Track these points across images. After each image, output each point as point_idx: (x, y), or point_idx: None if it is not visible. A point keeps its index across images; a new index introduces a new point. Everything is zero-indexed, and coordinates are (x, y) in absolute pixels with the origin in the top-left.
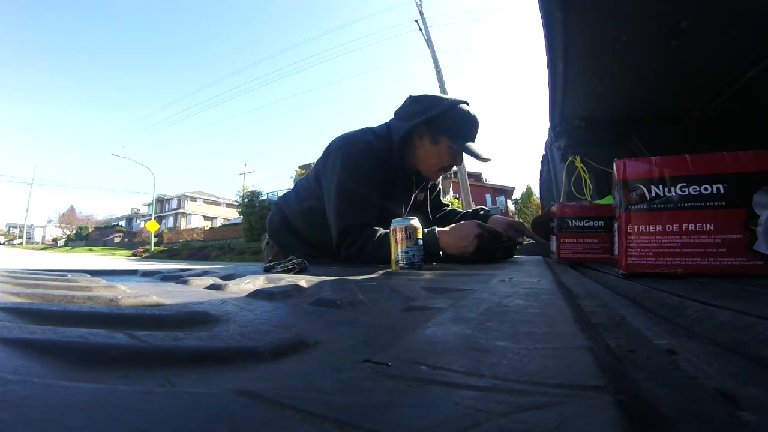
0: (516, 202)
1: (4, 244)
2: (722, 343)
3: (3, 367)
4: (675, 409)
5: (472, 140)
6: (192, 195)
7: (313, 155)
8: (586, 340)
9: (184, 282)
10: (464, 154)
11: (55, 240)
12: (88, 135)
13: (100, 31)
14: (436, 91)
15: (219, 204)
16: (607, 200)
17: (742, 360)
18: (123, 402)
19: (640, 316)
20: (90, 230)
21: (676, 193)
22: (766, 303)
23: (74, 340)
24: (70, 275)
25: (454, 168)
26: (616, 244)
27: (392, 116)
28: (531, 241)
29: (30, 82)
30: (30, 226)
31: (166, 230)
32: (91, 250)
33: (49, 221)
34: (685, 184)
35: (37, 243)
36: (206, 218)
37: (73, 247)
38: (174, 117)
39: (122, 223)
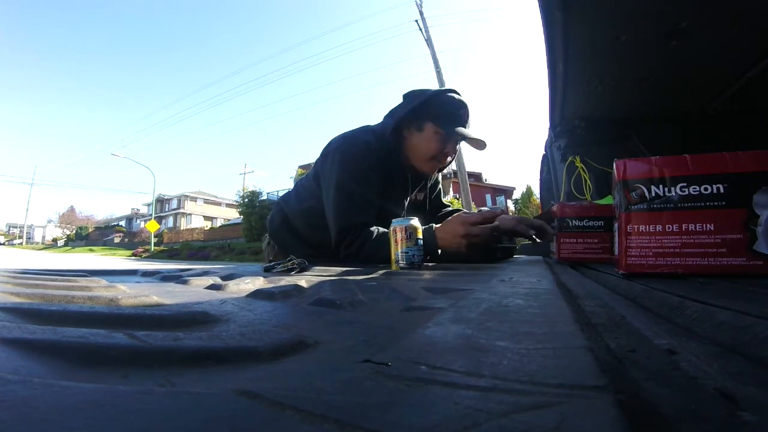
0: (516, 202)
1: (4, 244)
2: (722, 343)
3: (3, 367)
4: (675, 409)
5: (462, 125)
6: (192, 195)
7: (313, 155)
8: (586, 340)
9: (184, 282)
10: (461, 145)
11: (55, 240)
12: (88, 135)
13: (100, 31)
14: None
15: (219, 204)
16: (607, 200)
17: (742, 360)
18: (123, 402)
19: (640, 316)
20: (90, 230)
21: (676, 193)
22: (766, 303)
23: (74, 340)
24: (70, 275)
25: (454, 167)
26: (616, 244)
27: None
28: (538, 241)
29: (30, 82)
30: (30, 226)
31: (166, 230)
32: (91, 250)
33: (49, 221)
34: (685, 184)
35: (37, 243)
36: (206, 218)
37: (73, 247)
38: (174, 117)
39: (122, 223)
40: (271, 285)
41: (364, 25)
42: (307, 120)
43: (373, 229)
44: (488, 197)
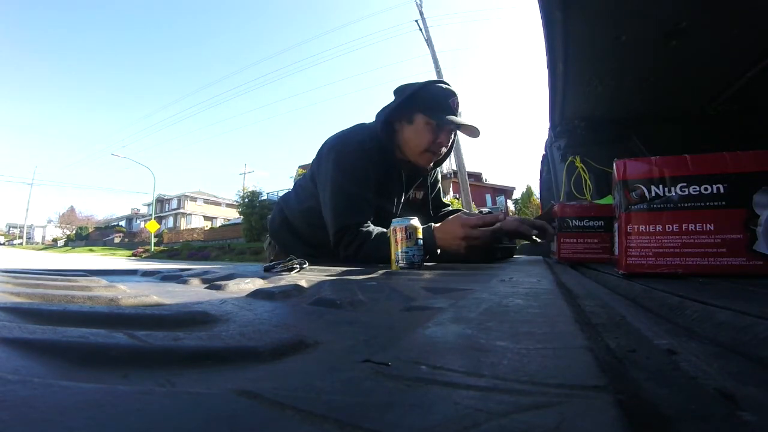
0: (516, 202)
1: (4, 244)
2: (722, 343)
3: (3, 367)
4: (675, 409)
5: (452, 114)
6: (192, 195)
7: (313, 155)
8: (586, 340)
9: (184, 282)
10: (458, 141)
11: (55, 240)
12: (88, 135)
13: (100, 31)
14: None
15: (219, 204)
16: (607, 200)
17: (742, 360)
18: (123, 402)
19: (640, 316)
20: (90, 230)
21: (676, 193)
22: (766, 303)
23: (74, 340)
24: (70, 275)
25: (454, 167)
26: (616, 244)
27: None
28: (539, 241)
29: (30, 82)
30: (30, 227)
31: (166, 230)
32: (91, 250)
33: (49, 221)
34: (685, 184)
35: (37, 243)
36: (206, 218)
37: (73, 248)
38: (174, 117)
39: (122, 223)
40: (271, 285)
41: (364, 25)
42: (307, 120)
43: (372, 228)
44: (488, 197)
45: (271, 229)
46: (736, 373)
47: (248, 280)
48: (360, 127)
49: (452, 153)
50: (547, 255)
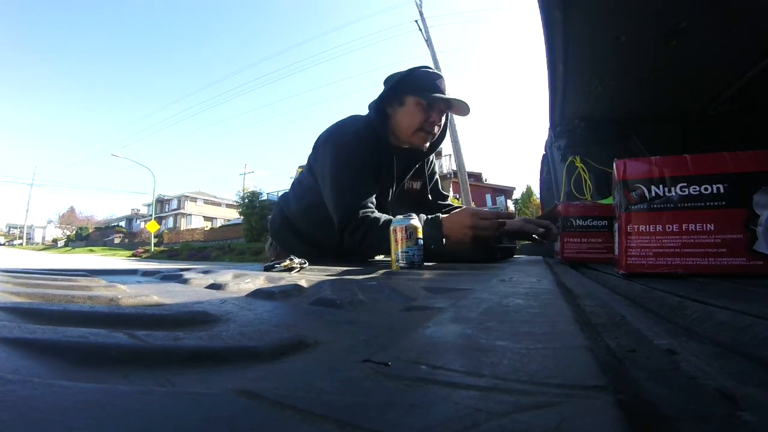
0: (516, 202)
1: (4, 244)
2: (722, 343)
3: (3, 367)
4: (675, 409)
5: (440, 93)
6: (192, 195)
7: None
8: (586, 340)
9: (184, 282)
10: (448, 116)
11: (55, 240)
12: (88, 135)
13: (100, 31)
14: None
15: (219, 204)
16: (610, 200)
17: (742, 360)
18: (123, 402)
19: (640, 316)
20: (90, 231)
21: (676, 193)
22: (766, 303)
23: (74, 340)
24: (70, 275)
25: (454, 167)
26: (617, 244)
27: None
28: (543, 241)
29: (30, 82)
30: (30, 227)
31: (166, 231)
32: (91, 251)
33: (49, 222)
34: (685, 184)
35: (38, 243)
36: (206, 219)
37: (74, 248)
38: (174, 117)
39: (122, 223)
40: (271, 285)
41: (364, 26)
42: (307, 120)
43: (379, 215)
44: (488, 197)
45: (271, 230)
46: (736, 373)
47: (248, 279)
48: (354, 118)
49: (452, 154)
50: (549, 255)
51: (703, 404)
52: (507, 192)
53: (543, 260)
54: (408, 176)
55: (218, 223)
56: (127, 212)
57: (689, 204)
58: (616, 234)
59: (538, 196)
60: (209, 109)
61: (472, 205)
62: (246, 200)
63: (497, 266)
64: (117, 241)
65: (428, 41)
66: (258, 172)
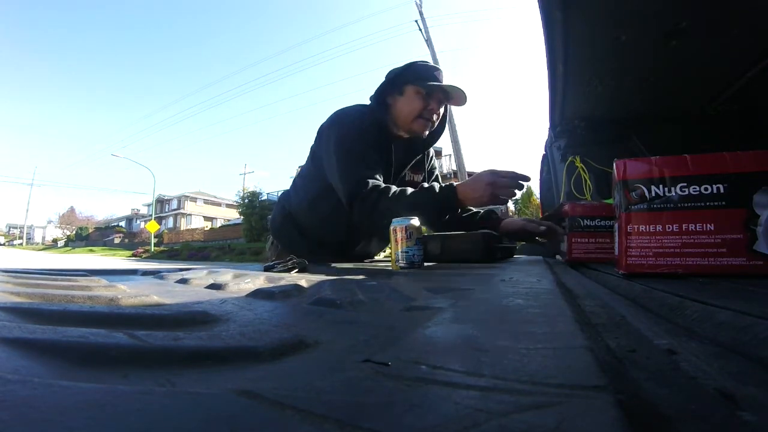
0: (516, 202)
1: (4, 244)
2: (722, 343)
3: (3, 367)
4: (675, 409)
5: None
6: (192, 195)
7: None
8: (586, 340)
9: (184, 282)
10: (447, 108)
11: (55, 240)
12: (88, 135)
13: (100, 31)
14: None
15: (219, 204)
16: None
17: (742, 360)
18: (123, 402)
19: (640, 316)
20: (90, 231)
21: (676, 193)
22: (766, 303)
23: (74, 340)
24: (70, 275)
25: (454, 167)
26: (617, 244)
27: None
28: (543, 242)
29: (30, 82)
30: (30, 227)
31: (166, 231)
32: (91, 251)
33: (49, 222)
34: (685, 184)
35: (38, 243)
36: (206, 219)
37: (74, 248)
38: (174, 117)
39: (122, 223)
40: (271, 285)
41: (364, 26)
42: (307, 120)
43: (387, 186)
44: None
45: (273, 229)
46: (736, 373)
47: (248, 279)
48: (356, 107)
49: (452, 154)
50: (550, 255)
51: (703, 404)
52: None
53: (543, 260)
54: (408, 167)
55: (218, 223)
56: (127, 212)
57: (689, 204)
58: (616, 234)
59: (538, 196)
60: (209, 109)
61: None
62: (246, 200)
63: (497, 266)
64: (117, 241)
65: (428, 41)
66: (258, 172)
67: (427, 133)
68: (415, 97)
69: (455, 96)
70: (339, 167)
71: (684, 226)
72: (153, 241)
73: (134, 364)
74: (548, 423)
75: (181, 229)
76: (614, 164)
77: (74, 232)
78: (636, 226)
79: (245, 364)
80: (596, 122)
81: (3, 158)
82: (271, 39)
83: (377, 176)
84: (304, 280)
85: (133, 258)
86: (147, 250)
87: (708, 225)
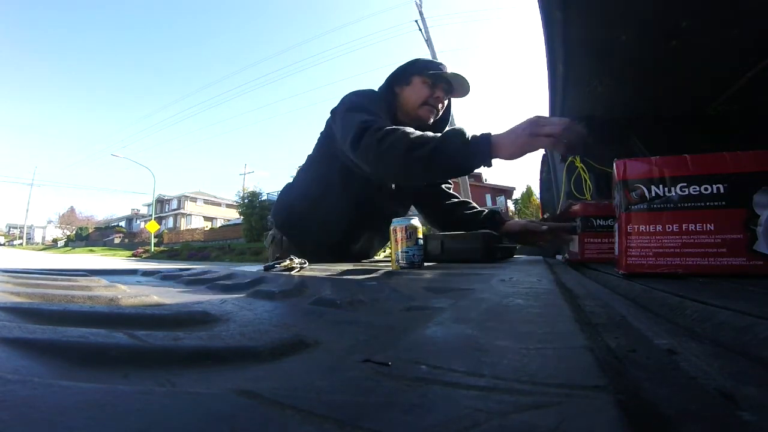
0: (516, 202)
1: (4, 244)
2: (722, 343)
3: (3, 367)
4: (675, 409)
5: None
6: (192, 195)
7: None
8: (586, 340)
9: (184, 282)
10: (450, 101)
11: (55, 240)
12: (88, 135)
13: (100, 31)
14: None
15: (219, 204)
16: None
17: (742, 360)
18: (123, 402)
19: (640, 316)
20: (90, 231)
21: (676, 193)
22: (766, 303)
23: (74, 340)
24: (70, 275)
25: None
26: (617, 244)
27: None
28: (544, 244)
29: (30, 82)
30: (30, 227)
31: (166, 231)
32: (91, 251)
33: (49, 222)
34: (685, 184)
35: (38, 243)
36: (206, 219)
37: (74, 248)
38: (174, 117)
39: (122, 223)
40: (271, 285)
41: (364, 26)
42: (307, 120)
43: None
44: (488, 197)
45: (277, 221)
46: (736, 373)
47: (248, 279)
48: (369, 90)
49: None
50: (551, 255)
51: (703, 404)
52: (507, 192)
53: (543, 260)
54: None
55: (218, 223)
56: (127, 212)
57: (689, 204)
58: (617, 234)
59: (538, 196)
60: (209, 109)
61: None
62: (246, 200)
63: (497, 266)
64: (117, 241)
65: (428, 41)
66: (258, 172)
67: (432, 120)
68: (422, 86)
69: (458, 87)
70: (344, 117)
71: (684, 226)
72: (153, 241)
73: (134, 364)
74: (548, 423)
75: (181, 229)
76: (614, 164)
77: (74, 232)
78: (636, 226)
79: (245, 364)
80: (596, 122)
81: (3, 158)
82: (271, 39)
83: (386, 124)
84: (304, 280)
85: (133, 258)
86: (147, 250)
87: (708, 225)
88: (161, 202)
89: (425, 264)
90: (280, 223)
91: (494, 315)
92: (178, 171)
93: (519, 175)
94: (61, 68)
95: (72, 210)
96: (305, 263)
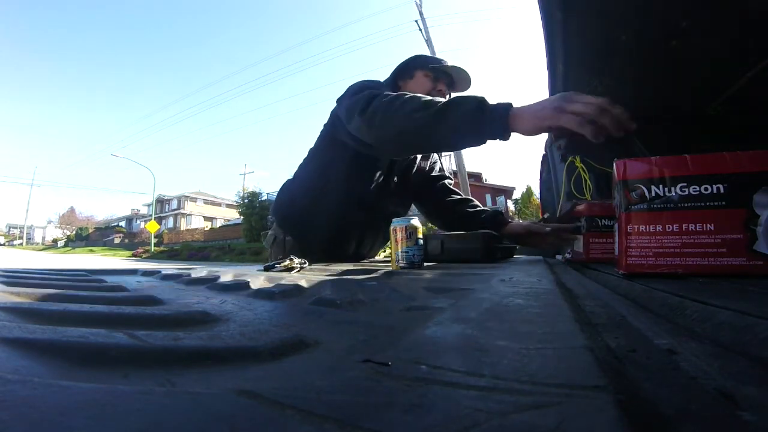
0: (516, 202)
1: (4, 244)
2: (722, 343)
3: (3, 367)
4: (675, 409)
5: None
6: (192, 195)
7: None
8: (586, 340)
9: (184, 282)
10: (451, 95)
11: (55, 240)
12: (88, 135)
13: (100, 31)
14: None
15: (219, 204)
16: None
17: (742, 360)
18: (123, 402)
19: (640, 316)
20: (90, 231)
21: (676, 193)
22: (766, 303)
23: (74, 340)
24: (70, 275)
25: (454, 167)
26: (617, 244)
27: None
28: (546, 247)
29: (30, 82)
30: (30, 227)
31: (166, 231)
32: (91, 251)
33: (49, 222)
34: (685, 184)
35: (38, 244)
36: (206, 219)
37: (74, 248)
38: (174, 117)
39: (122, 223)
40: (271, 284)
41: (364, 26)
42: (308, 120)
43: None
44: (488, 197)
45: (278, 218)
46: (736, 373)
47: (248, 279)
48: (375, 80)
49: (452, 154)
50: (551, 255)
51: (703, 404)
52: (507, 192)
53: (543, 260)
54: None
55: (218, 223)
56: (127, 212)
57: (689, 204)
58: (617, 234)
59: (538, 196)
60: (209, 109)
61: None
62: (246, 200)
63: (497, 266)
64: (117, 241)
65: (428, 41)
66: (258, 172)
67: None
68: (424, 79)
69: (460, 80)
70: (351, 102)
71: (684, 226)
72: (153, 241)
73: (134, 364)
74: (548, 423)
75: (181, 229)
76: (614, 164)
77: (74, 232)
78: (636, 226)
79: (245, 364)
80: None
81: (3, 158)
82: (271, 39)
83: None
84: (304, 280)
85: (133, 258)
86: (147, 251)
87: (708, 225)
88: (161, 202)
89: (425, 264)
90: (281, 220)
91: (494, 315)
92: (178, 171)
93: (519, 175)
94: (61, 68)
95: (72, 210)
96: (305, 263)
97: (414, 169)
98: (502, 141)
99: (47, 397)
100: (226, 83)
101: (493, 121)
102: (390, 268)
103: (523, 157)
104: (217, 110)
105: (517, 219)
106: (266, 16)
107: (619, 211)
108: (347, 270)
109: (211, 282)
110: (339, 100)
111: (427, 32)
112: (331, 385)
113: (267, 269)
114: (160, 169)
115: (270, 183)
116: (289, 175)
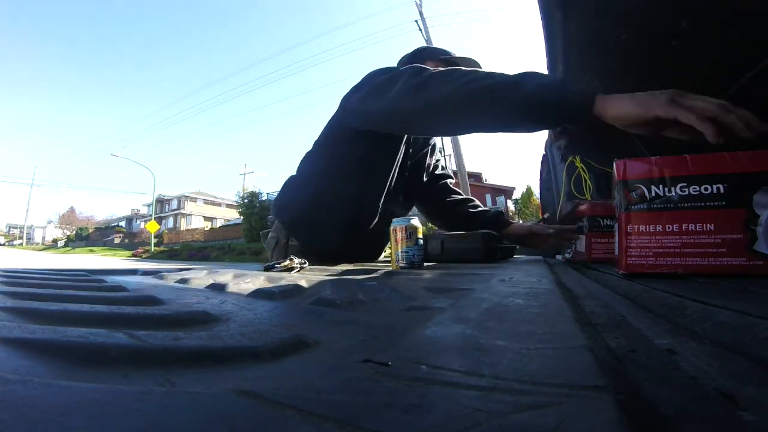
0: (516, 202)
1: (4, 244)
2: (722, 343)
3: (3, 367)
4: (675, 409)
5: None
6: (192, 195)
7: None
8: (586, 340)
9: (184, 282)
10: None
11: (55, 240)
12: (88, 135)
13: (100, 31)
14: None
15: (219, 204)
16: None
17: (742, 360)
18: (123, 402)
19: (640, 316)
20: (90, 231)
21: (676, 193)
22: (766, 303)
23: (74, 339)
24: (70, 275)
25: (454, 167)
26: (617, 244)
27: None
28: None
29: (30, 82)
30: (30, 227)
31: (166, 231)
32: (91, 251)
33: (49, 222)
34: (685, 184)
35: (38, 244)
36: (206, 219)
37: (74, 248)
38: (174, 117)
39: (122, 223)
40: (271, 284)
41: (364, 26)
42: (308, 120)
43: None
44: (488, 197)
45: (284, 217)
46: (736, 373)
47: (248, 280)
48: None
49: (452, 153)
50: (551, 255)
51: (703, 404)
52: (507, 192)
53: (543, 260)
54: (425, 149)
55: (218, 223)
56: (127, 212)
57: (689, 204)
58: (617, 234)
59: (538, 196)
60: (209, 109)
61: None
62: (246, 200)
63: (497, 266)
64: (117, 241)
65: (428, 41)
66: (258, 172)
67: None
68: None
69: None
70: (374, 85)
71: (684, 226)
72: (153, 241)
73: (134, 364)
74: (548, 423)
75: (181, 229)
76: (614, 164)
77: (74, 232)
78: (636, 226)
79: (245, 364)
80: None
81: (3, 158)
82: (272, 39)
83: None
84: (304, 280)
85: (133, 258)
86: (147, 250)
87: (708, 225)
88: (161, 202)
89: (425, 264)
90: (287, 222)
91: (494, 315)
92: (178, 171)
93: (519, 175)
94: (61, 68)
95: (72, 210)
96: (305, 263)
97: (425, 166)
98: (581, 126)
99: (47, 397)
100: (225, 83)
101: (573, 100)
102: (390, 268)
103: (523, 157)
104: (217, 110)
105: (517, 219)
106: (267, 15)
107: (619, 211)
108: (347, 270)
109: (211, 282)
110: (357, 87)
111: (427, 32)
112: (331, 385)
113: (267, 269)
114: (160, 169)
115: (270, 183)
116: (290, 174)
